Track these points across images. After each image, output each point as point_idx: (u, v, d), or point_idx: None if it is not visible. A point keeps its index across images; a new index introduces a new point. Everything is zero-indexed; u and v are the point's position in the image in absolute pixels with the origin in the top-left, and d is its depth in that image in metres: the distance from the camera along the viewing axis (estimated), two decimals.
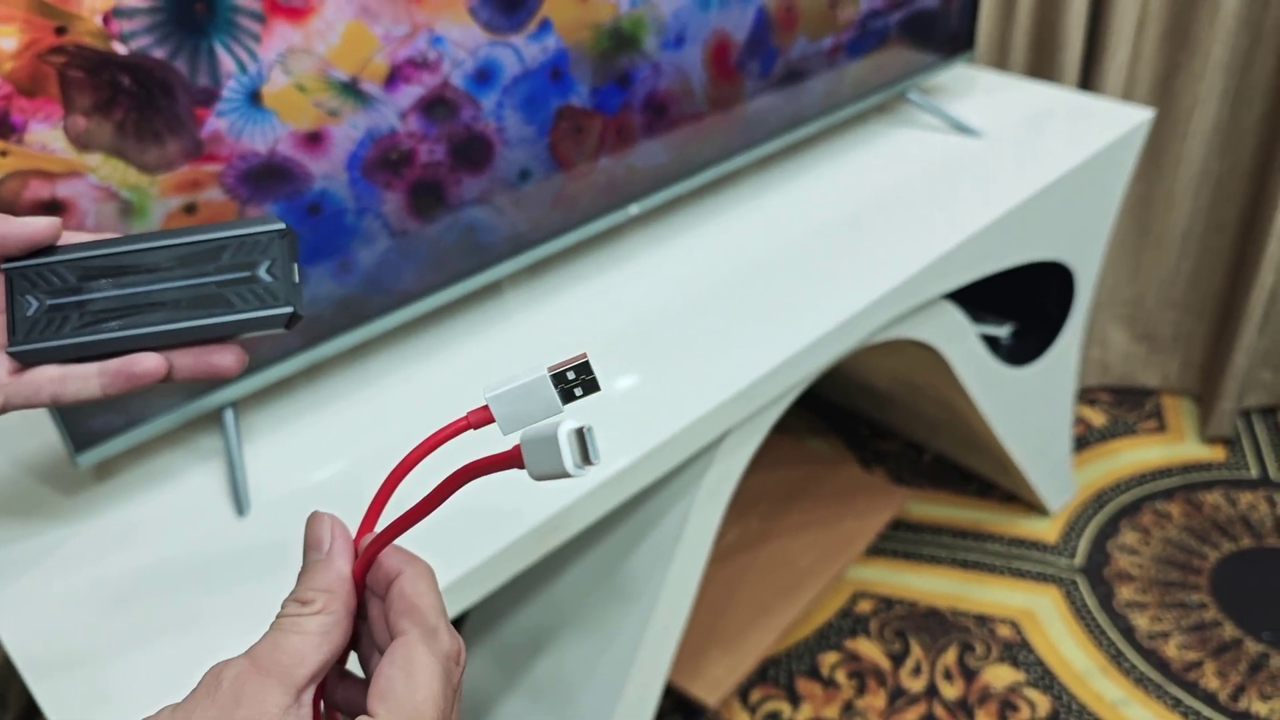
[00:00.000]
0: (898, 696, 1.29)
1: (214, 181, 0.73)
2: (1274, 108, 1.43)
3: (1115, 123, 1.19)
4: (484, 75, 0.84)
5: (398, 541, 0.36)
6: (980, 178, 1.11)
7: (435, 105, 0.82)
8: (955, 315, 1.10)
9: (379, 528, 0.37)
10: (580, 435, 0.32)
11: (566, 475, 0.32)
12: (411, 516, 0.35)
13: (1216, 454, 1.62)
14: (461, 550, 0.72)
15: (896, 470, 1.62)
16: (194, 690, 0.32)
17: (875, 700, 1.28)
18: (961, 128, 1.19)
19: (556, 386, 0.34)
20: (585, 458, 0.32)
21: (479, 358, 0.90)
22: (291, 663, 0.33)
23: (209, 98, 0.71)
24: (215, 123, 0.72)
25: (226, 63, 0.70)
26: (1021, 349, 1.33)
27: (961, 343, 1.14)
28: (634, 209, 0.98)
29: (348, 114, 0.78)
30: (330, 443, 0.83)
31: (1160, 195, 1.54)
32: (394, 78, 0.79)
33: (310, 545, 0.37)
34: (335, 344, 0.83)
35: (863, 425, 1.70)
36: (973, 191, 1.09)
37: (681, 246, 1.03)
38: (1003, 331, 1.31)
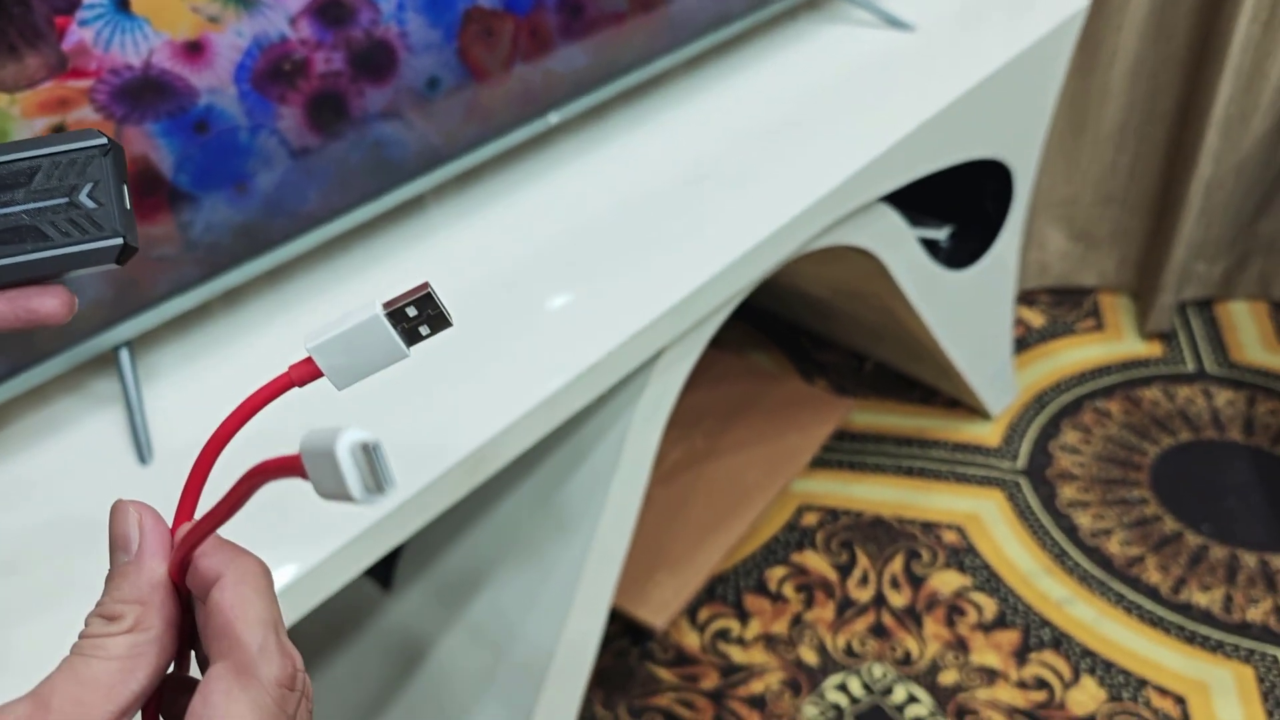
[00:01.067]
0: (846, 607, 1.28)
1: (84, 99, 0.66)
2: None
3: (1050, 13, 1.15)
4: None
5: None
6: (914, 74, 1.07)
7: (329, 8, 0.75)
8: (893, 219, 1.07)
9: (198, 515, 0.30)
10: (366, 451, 0.26)
11: (351, 500, 0.26)
12: (222, 509, 0.28)
13: (1154, 350, 1.62)
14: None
15: (839, 380, 1.60)
16: None
17: (824, 613, 1.28)
18: (894, 21, 1.14)
19: (396, 326, 0.30)
20: (376, 481, 0.26)
21: (400, 277, 0.85)
22: (94, 699, 0.26)
23: (70, 4, 0.64)
24: (79, 32, 0.65)
25: None
26: (960, 251, 1.30)
27: (900, 247, 1.11)
28: (554, 118, 0.93)
29: (231, 20, 0.71)
30: (243, 379, 0.77)
31: (1095, 89, 1.51)
32: None
33: (115, 545, 0.30)
34: (238, 273, 0.77)
35: (803, 336, 1.68)
36: (907, 88, 1.04)
37: (607, 155, 0.98)
38: (941, 234, 1.28)
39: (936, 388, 1.56)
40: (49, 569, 0.64)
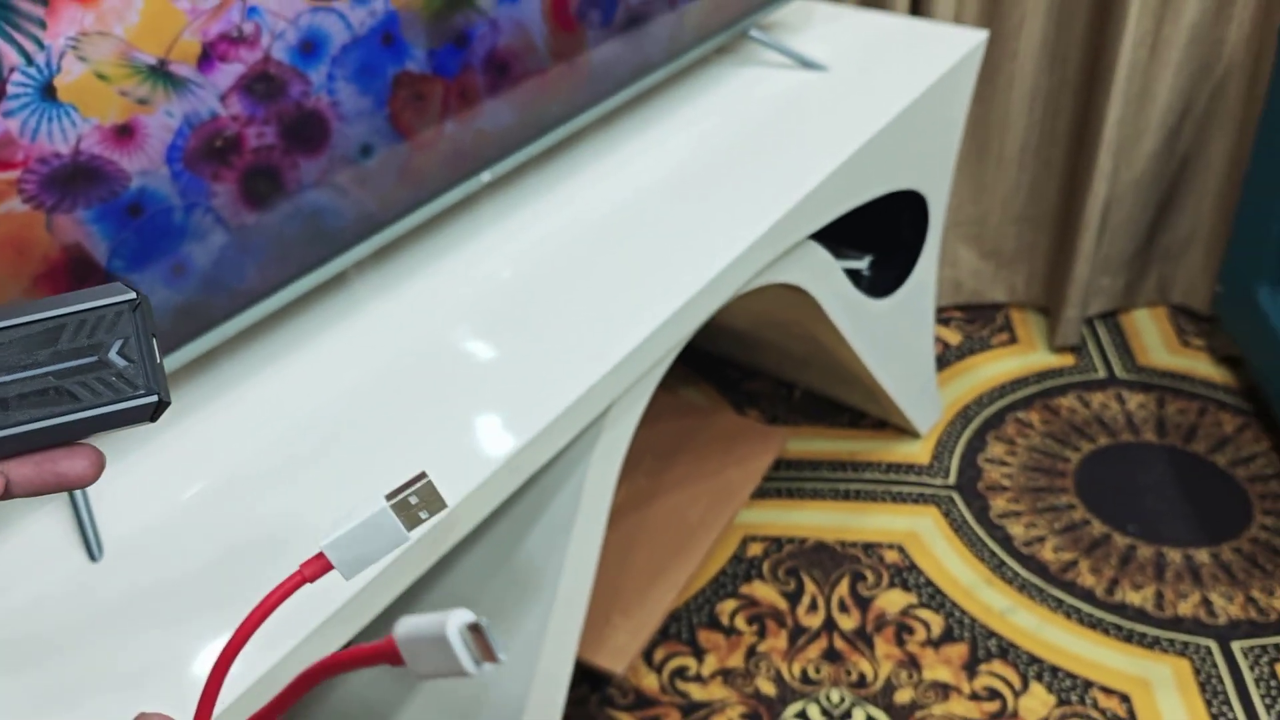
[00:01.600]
0: (798, 635, 1.30)
1: (12, 191, 0.64)
2: (1095, 21, 1.47)
3: (953, 46, 1.19)
4: (309, 46, 0.76)
5: None
6: (831, 112, 1.10)
7: (258, 83, 0.74)
8: (821, 254, 1.09)
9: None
10: (476, 629, 0.29)
11: (463, 674, 0.29)
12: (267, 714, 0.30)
13: (1066, 359, 1.69)
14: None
15: (770, 409, 1.62)
16: None
17: (777, 642, 1.29)
18: (806, 63, 1.17)
19: (399, 514, 0.32)
20: (486, 653, 0.29)
21: (336, 352, 0.84)
22: None
23: None
24: (4, 123, 0.63)
25: (8, 54, 0.62)
26: (880, 279, 1.34)
27: (828, 281, 1.13)
28: (486, 176, 0.93)
29: (160, 101, 0.70)
30: (187, 462, 0.75)
31: (996, 114, 1.57)
32: (208, 56, 0.71)
33: None
34: (178, 356, 0.75)
35: (730, 368, 1.70)
36: (827, 127, 1.07)
37: (538, 211, 0.99)
38: (862, 264, 1.32)
39: (865, 410, 1.60)
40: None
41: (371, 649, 0.29)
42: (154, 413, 0.31)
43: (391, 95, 0.83)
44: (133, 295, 0.31)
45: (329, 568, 0.32)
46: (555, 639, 0.90)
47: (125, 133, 0.69)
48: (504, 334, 0.85)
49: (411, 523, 0.32)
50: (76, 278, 0.70)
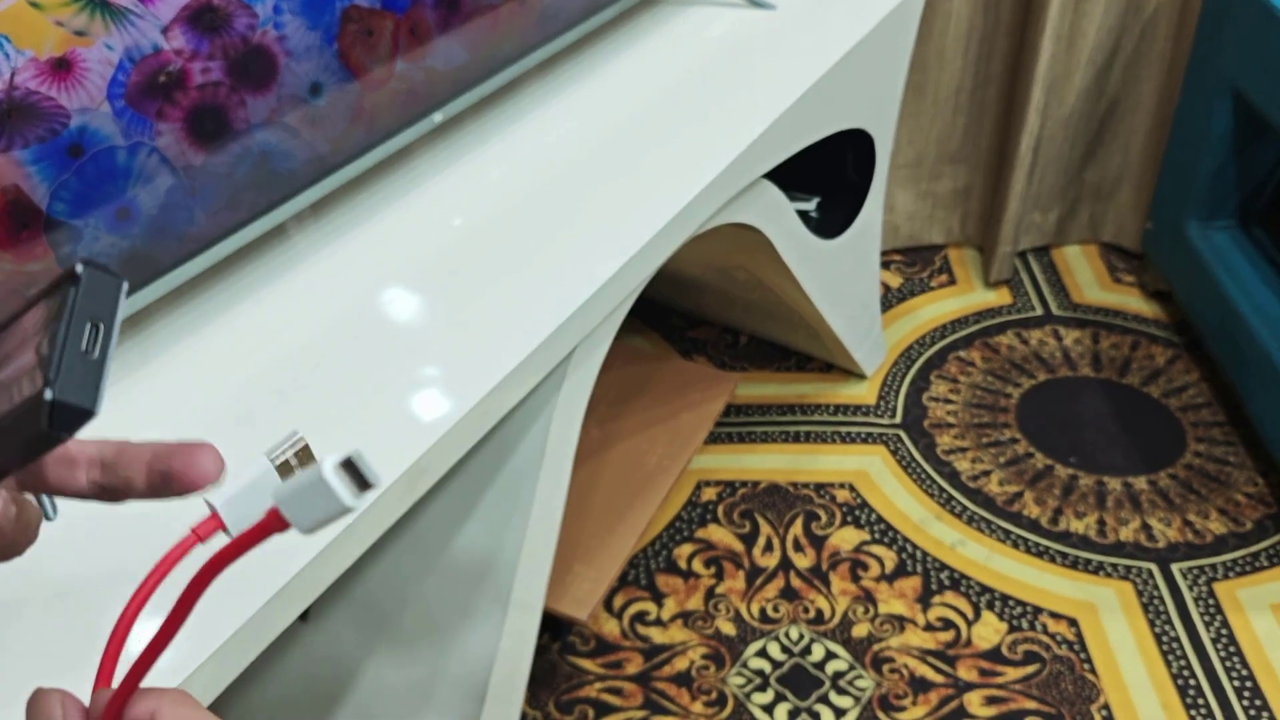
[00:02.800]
0: (756, 575, 1.31)
1: None
2: None
3: None
4: None
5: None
6: (781, 51, 1.09)
7: (202, 15, 0.71)
8: (774, 194, 1.09)
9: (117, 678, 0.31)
10: (350, 465, 0.28)
11: (346, 511, 0.28)
12: (151, 652, 0.30)
13: (1003, 297, 1.72)
14: None
15: (717, 356, 1.62)
16: None
17: (735, 583, 1.30)
18: (755, 2, 1.16)
19: (284, 477, 0.30)
20: (362, 482, 0.28)
21: (288, 302, 0.81)
22: None
23: None
24: None
25: None
26: (825, 221, 1.34)
27: (781, 221, 1.13)
28: (438, 117, 0.90)
29: (99, 33, 0.66)
30: (137, 417, 0.72)
31: (933, 55, 1.58)
32: None
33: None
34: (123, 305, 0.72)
35: (676, 317, 1.70)
36: (778, 66, 1.07)
37: (489, 155, 0.96)
38: (810, 205, 1.32)
39: (810, 354, 1.61)
40: None
41: (256, 526, 0.29)
42: (52, 418, 0.24)
43: (340, 30, 0.79)
44: (72, 269, 0.25)
45: (222, 527, 0.32)
46: (524, 584, 0.89)
47: (63, 67, 0.65)
48: (460, 280, 0.83)
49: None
50: (16, 223, 0.66)
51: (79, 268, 0.25)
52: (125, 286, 0.27)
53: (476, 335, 0.78)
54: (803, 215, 1.31)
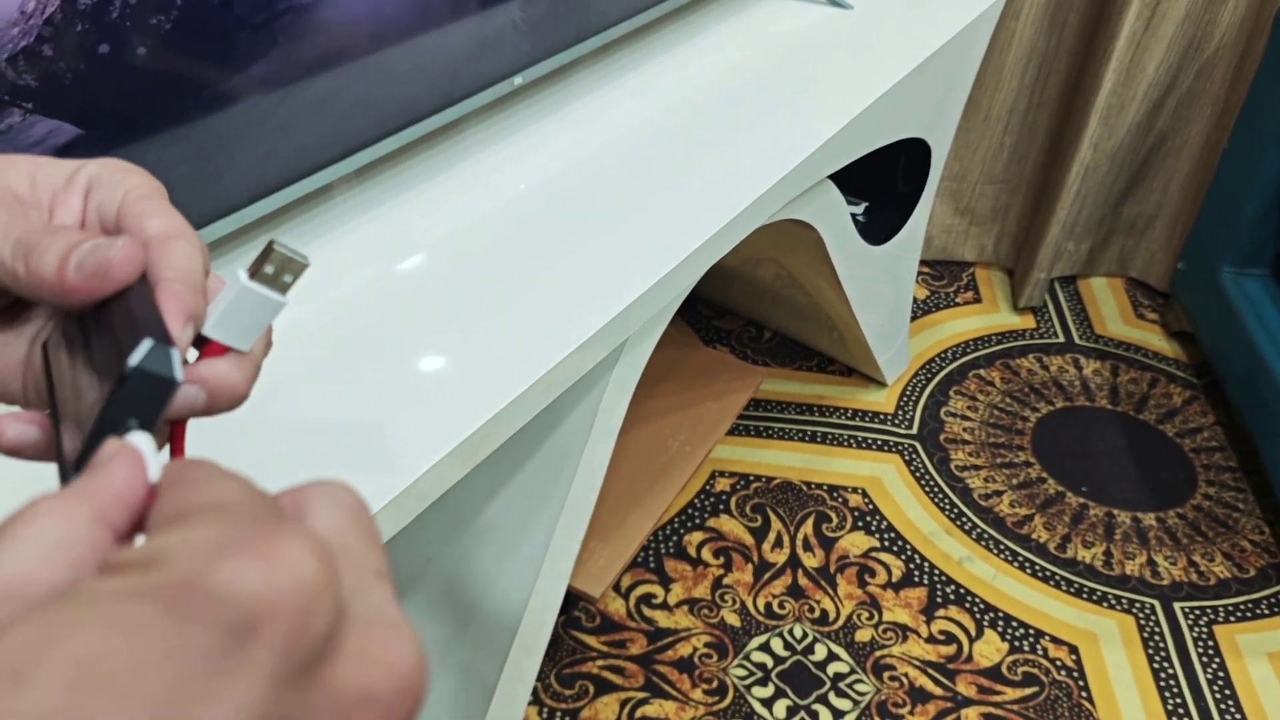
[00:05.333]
0: (764, 570, 1.32)
1: None
2: None
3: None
4: None
5: None
6: (858, 53, 1.09)
7: None
8: (835, 195, 1.09)
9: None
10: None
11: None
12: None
13: (1027, 321, 1.73)
14: (385, 473, 0.65)
15: (740, 349, 1.62)
16: None
17: (743, 575, 1.31)
18: (833, 0, 1.15)
19: (265, 286, 0.31)
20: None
21: (355, 255, 0.81)
22: None
23: None
24: None
25: None
26: (869, 226, 1.34)
27: (837, 222, 1.13)
28: (518, 79, 0.90)
29: None
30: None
31: (990, 72, 1.58)
32: None
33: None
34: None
35: (703, 305, 1.70)
36: (854, 67, 1.06)
37: (561, 125, 0.96)
38: (859, 210, 1.32)
39: (832, 356, 1.61)
40: None
41: (199, 358, 0.30)
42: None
43: None
44: (125, 368, 0.26)
45: (226, 349, 0.31)
46: (554, 557, 0.89)
47: None
48: (533, 251, 0.82)
49: (281, 288, 0.31)
50: None
51: (132, 364, 0.26)
52: (175, 390, 0.27)
53: (545, 307, 0.78)
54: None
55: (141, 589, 0.17)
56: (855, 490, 1.43)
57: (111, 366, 0.26)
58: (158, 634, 0.16)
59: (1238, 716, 1.19)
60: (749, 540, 1.35)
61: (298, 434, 0.66)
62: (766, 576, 1.31)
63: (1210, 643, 1.27)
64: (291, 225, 0.81)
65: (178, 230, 0.30)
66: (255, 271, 0.31)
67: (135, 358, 0.25)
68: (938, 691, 1.20)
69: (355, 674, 0.18)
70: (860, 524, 1.38)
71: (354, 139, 0.78)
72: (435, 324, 0.75)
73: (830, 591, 1.30)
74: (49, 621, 0.16)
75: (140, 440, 0.25)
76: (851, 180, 1.28)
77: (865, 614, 1.28)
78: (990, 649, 1.25)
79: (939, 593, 1.31)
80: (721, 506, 1.39)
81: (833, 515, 1.39)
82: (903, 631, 1.26)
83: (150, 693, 0.16)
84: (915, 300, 1.74)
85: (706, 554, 1.33)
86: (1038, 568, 1.34)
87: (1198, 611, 1.30)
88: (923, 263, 1.81)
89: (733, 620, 1.26)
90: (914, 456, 1.48)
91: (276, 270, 0.31)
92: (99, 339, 0.28)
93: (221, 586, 0.17)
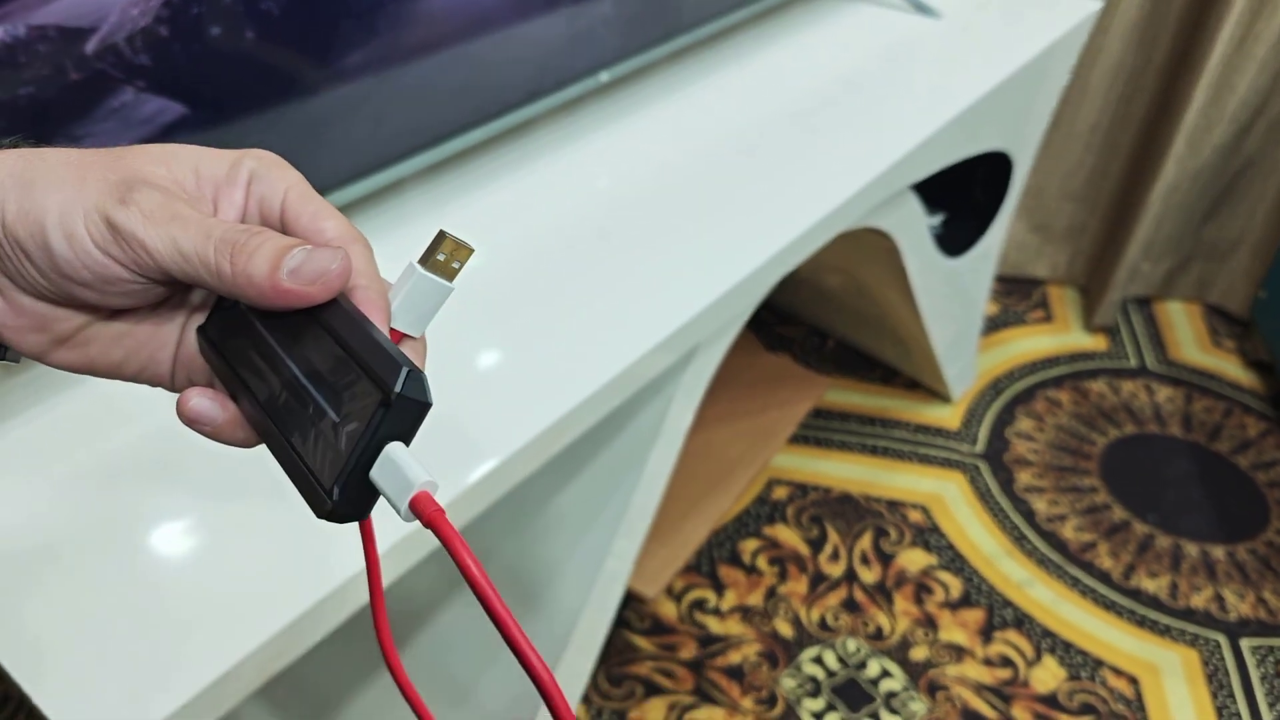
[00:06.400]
0: (819, 582, 1.30)
1: None
2: (1192, 6, 1.45)
3: (1066, 11, 1.17)
4: None
5: None
6: (945, 62, 1.07)
7: None
8: (915, 205, 1.07)
9: None
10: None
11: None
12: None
13: (1099, 343, 1.69)
14: (459, 465, 0.65)
15: (803, 356, 1.61)
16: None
17: (797, 586, 1.30)
18: (921, 7, 1.14)
19: (435, 273, 0.32)
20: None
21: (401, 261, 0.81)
22: None
23: None
24: None
25: None
26: (946, 238, 1.32)
27: (915, 232, 1.11)
28: (604, 76, 0.90)
29: None
30: None
31: (1074, 87, 1.55)
32: None
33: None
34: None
35: (765, 310, 1.68)
36: (941, 77, 1.05)
37: (645, 124, 0.95)
38: (935, 221, 1.30)
39: (897, 368, 1.59)
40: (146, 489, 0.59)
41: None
42: (327, 514, 0.28)
43: None
44: (383, 394, 0.28)
45: (401, 335, 0.32)
46: (614, 559, 0.89)
47: None
48: (612, 248, 0.82)
49: (449, 274, 0.32)
50: None
51: (387, 394, 0.27)
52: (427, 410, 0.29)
53: (617, 309, 0.77)
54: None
55: None
56: (916, 507, 1.41)
57: (329, 366, 0.29)
58: None
59: None
60: (805, 551, 1.34)
61: None
62: (821, 588, 1.30)
63: (1277, 682, 1.23)
64: (363, 219, 0.82)
65: (353, 234, 0.31)
66: (427, 259, 0.31)
67: (399, 384, 0.27)
68: (991, 715, 1.18)
69: None
70: (920, 541, 1.36)
71: (443, 127, 0.78)
72: (507, 322, 0.75)
73: (886, 608, 1.28)
74: None
75: (400, 451, 0.28)
76: (930, 191, 1.27)
77: (921, 632, 1.26)
78: (1048, 675, 1.22)
79: (997, 615, 1.28)
80: (778, 515, 1.38)
81: (892, 530, 1.37)
82: (958, 652, 1.24)
83: None
84: (985, 316, 1.71)
85: (761, 562, 1.32)
86: (1100, 595, 1.31)
87: (1265, 650, 1.27)
88: (995, 278, 1.77)
89: (785, 631, 1.25)
90: (977, 475, 1.46)
91: (447, 257, 0.31)
92: (283, 334, 0.30)
93: None
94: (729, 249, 0.82)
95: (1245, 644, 1.27)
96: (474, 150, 0.89)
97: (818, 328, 1.66)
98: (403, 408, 0.27)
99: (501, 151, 0.90)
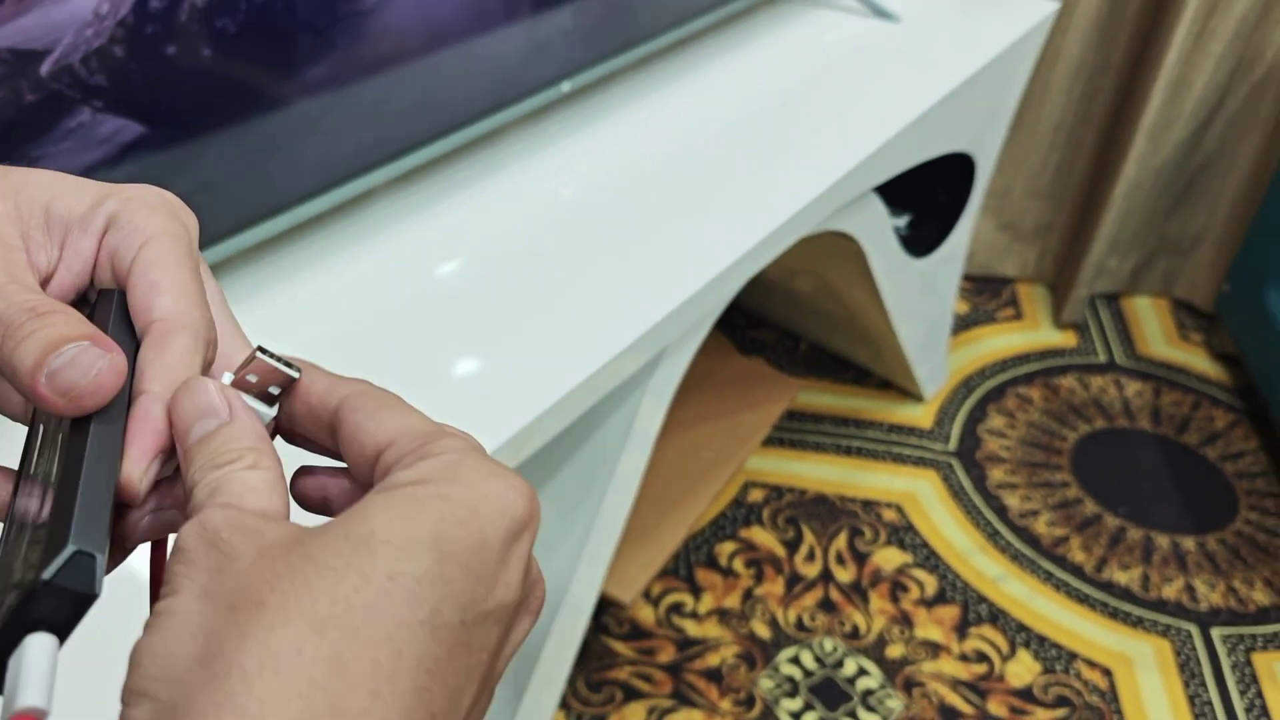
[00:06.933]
0: (795, 582, 1.31)
1: None
2: (1149, 4, 1.47)
3: (1024, 13, 1.18)
4: None
5: None
6: (904, 66, 1.08)
7: None
8: (879, 208, 1.09)
9: None
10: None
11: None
12: None
13: (1069, 340, 1.71)
14: None
15: (775, 359, 1.62)
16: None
17: (774, 587, 1.31)
18: (879, 11, 1.15)
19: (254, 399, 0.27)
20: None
21: (393, 261, 0.82)
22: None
23: None
24: None
25: None
26: (912, 239, 1.33)
27: (880, 234, 1.13)
28: (566, 86, 0.90)
29: None
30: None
31: (1036, 88, 1.57)
32: None
33: (191, 417, 0.25)
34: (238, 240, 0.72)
35: (738, 314, 1.69)
36: (901, 80, 1.06)
37: (606, 134, 0.96)
38: (900, 223, 1.32)
39: (869, 369, 1.61)
40: None
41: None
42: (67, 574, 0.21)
43: None
44: (37, 575, 0.22)
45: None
46: (589, 560, 0.89)
47: None
48: (576, 259, 0.83)
49: (269, 401, 0.27)
50: None
51: (58, 565, 0.22)
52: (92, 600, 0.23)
53: (583, 315, 0.78)
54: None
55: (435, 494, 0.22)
56: (890, 505, 1.42)
57: (38, 497, 0.24)
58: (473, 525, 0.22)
59: None
60: (781, 552, 1.35)
61: None
62: (798, 589, 1.31)
63: (1248, 670, 1.25)
64: (333, 230, 0.82)
65: (184, 319, 0.26)
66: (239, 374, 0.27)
67: (51, 569, 0.21)
68: (968, 710, 1.19)
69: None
70: (894, 539, 1.38)
71: (405, 141, 0.79)
72: (474, 329, 0.75)
73: (862, 606, 1.29)
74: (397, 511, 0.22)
75: (38, 651, 0.22)
76: (895, 192, 1.28)
77: (897, 630, 1.27)
78: (1022, 669, 1.24)
79: (972, 611, 1.30)
80: (754, 517, 1.39)
81: (866, 530, 1.39)
82: (934, 649, 1.25)
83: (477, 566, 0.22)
84: (955, 315, 1.73)
85: (738, 564, 1.33)
86: (1073, 589, 1.33)
87: (1236, 639, 1.28)
88: (964, 277, 1.79)
89: (763, 632, 1.26)
90: (950, 473, 1.47)
91: (260, 380, 0.27)
92: (49, 426, 0.26)
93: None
94: (693, 253, 0.83)
95: (1216, 633, 1.29)
96: (441, 160, 0.90)
97: (790, 330, 1.67)
98: (52, 595, 0.22)
99: (469, 161, 0.90)
